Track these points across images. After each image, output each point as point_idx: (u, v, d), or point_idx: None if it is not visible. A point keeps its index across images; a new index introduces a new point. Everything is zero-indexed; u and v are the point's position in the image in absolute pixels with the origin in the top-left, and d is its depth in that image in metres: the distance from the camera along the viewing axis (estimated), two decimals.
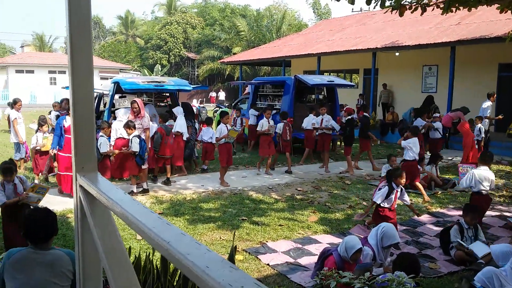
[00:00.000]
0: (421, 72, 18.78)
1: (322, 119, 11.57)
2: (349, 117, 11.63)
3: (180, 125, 9.82)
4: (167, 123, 9.74)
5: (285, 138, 11.11)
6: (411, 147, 8.72)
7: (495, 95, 13.47)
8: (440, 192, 9.03)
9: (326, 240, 6.25)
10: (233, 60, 29.80)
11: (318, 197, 8.56)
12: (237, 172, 10.92)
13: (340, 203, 8.16)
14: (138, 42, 55.99)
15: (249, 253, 5.74)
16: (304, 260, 5.53)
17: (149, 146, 8.88)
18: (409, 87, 18.93)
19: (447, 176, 10.20)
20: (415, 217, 7.17)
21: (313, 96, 15.20)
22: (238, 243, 6.03)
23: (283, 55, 22.96)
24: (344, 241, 4.59)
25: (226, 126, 9.56)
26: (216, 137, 9.62)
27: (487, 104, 12.89)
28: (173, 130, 9.66)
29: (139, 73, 45.50)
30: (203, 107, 23.28)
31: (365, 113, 12.09)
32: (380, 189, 6.29)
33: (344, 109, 13.60)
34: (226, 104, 26.81)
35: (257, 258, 5.58)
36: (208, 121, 11.31)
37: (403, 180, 6.27)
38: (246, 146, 14.41)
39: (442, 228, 6.24)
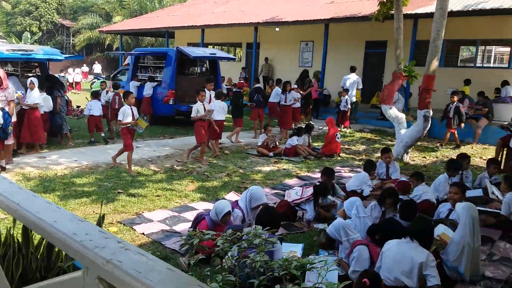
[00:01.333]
0: (299, 47, 19.79)
1: (210, 94, 11.60)
2: (237, 90, 12.06)
3: (34, 97, 9.07)
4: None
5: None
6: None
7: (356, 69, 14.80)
8: (312, 159, 9.78)
9: (202, 207, 6.44)
10: (113, 29, 28.25)
11: (197, 167, 8.73)
12: (116, 145, 10.60)
13: (219, 172, 8.43)
14: (4, 6, 50.06)
15: (124, 224, 5.70)
16: (179, 227, 5.67)
17: (14, 119, 8.20)
18: (287, 62, 19.84)
19: (316, 144, 11.05)
20: (285, 181, 7.73)
21: (196, 69, 15.20)
22: (113, 216, 5.96)
23: (166, 26, 22.43)
24: (214, 206, 4.82)
25: (131, 108, 8.11)
26: (119, 120, 8.19)
27: (351, 76, 14.14)
28: (26, 102, 9.00)
29: (5, 40, 40.91)
30: (63, 76, 22.02)
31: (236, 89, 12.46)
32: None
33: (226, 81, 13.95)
34: (104, 76, 25.48)
35: (132, 228, 5.57)
36: (95, 94, 11.08)
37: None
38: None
39: None
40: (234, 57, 17.41)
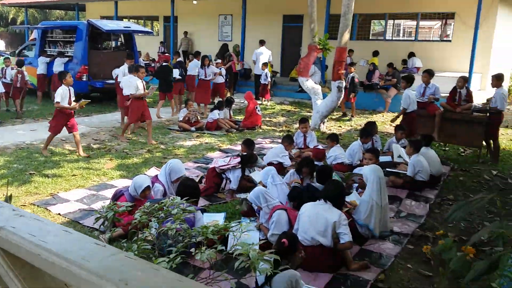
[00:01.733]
0: (218, 21, 19.57)
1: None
2: (165, 63, 11.73)
3: None
4: None
5: None
6: None
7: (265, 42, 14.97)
8: (234, 132, 9.86)
9: (122, 184, 6.27)
10: (16, 1, 25.99)
11: (116, 144, 8.46)
12: (25, 125, 9.95)
13: (139, 149, 8.24)
14: None
15: (37, 206, 5.43)
16: (98, 205, 5.48)
17: None
18: (207, 36, 19.58)
19: (239, 118, 11.15)
20: (208, 154, 7.76)
21: (110, 43, 14.53)
22: (25, 198, 5.65)
23: None
24: (133, 181, 4.74)
25: (69, 89, 7.40)
26: (57, 102, 7.29)
27: (262, 50, 14.33)
28: None
29: None
30: None
31: (165, 62, 12.10)
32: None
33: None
34: (8, 52, 23.52)
35: (47, 209, 5.32)
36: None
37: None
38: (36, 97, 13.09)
39: None
40: (151, 31, 16.87)
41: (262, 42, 14.76)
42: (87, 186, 6.19)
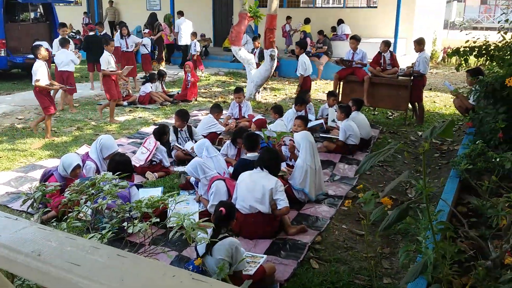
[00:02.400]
0: None
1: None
2: (92, 33, 11.13)
3: None
4: None
5: None
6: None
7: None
8: (168, 105, 9.66)
9: (52, 164, 5.98)
10: None
11: (43, 123, 8.01)
12: None
13: (68, 126, 7.86)
14: None
15: None
16: (26, 187, 5.23)
17: None
18: (134, 5, 18.76)
19: (172, 90, 10.92)
20: (142, 129, 7.58)
21: (28, 14, 13.53)
22: None
23: None
24: (61, 160, 4.54)
25: None
26: None
27: (182, 21, 14.04)
28: None
29: None
30: None
31: (91, 32, 11.49)
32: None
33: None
34: None
35: None
36: None
37: None
38: None
39: None
40: (71, 0, 15.85)
41: (180, 13, 14.48)
42: (14, 168, 5.85)
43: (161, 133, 5.88)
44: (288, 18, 14.98)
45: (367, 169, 1.84)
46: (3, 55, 11.63)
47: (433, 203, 4.18)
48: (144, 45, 12.07)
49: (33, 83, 6.91)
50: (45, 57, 7.02)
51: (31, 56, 10.94)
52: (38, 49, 6.93)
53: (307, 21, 14.81)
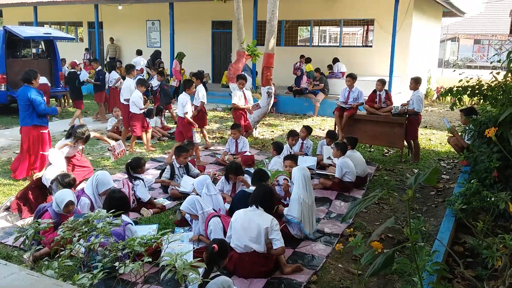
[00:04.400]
0: (145, 27, 19.21)
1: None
2: (72, 70, 11.31)
3: None
4: None
5: None
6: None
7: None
8: (166, 140, 9.71)
9: (49, 199, 5.98)
10: None
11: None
12: None
13: None
14: None
15: None
16: (21, 223, 5.19)
17: None
18: (135, 42, 19.13)
19: (171, 125, 11.00)
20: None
21: (30, 50, 13.77)
22: None
23: None
24: (54, 197, 4.53)
25: None
26: None
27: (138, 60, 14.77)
28: None
29: None
30: None
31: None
32: None
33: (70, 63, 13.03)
34: None
35: None
36: None
37: None
38: None
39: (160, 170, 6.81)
40: (72, 37, 16.18)
41: (138, 52, 15.63)
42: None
43: (133, 167, 5.79)
44: (302, 57, 15.30)
45: (352, 217, 1.86)
46: (3, 89, 11.78)
47: (429, 243, 4.16)
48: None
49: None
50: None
51: None
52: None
53: (308, 60, 15.07)
